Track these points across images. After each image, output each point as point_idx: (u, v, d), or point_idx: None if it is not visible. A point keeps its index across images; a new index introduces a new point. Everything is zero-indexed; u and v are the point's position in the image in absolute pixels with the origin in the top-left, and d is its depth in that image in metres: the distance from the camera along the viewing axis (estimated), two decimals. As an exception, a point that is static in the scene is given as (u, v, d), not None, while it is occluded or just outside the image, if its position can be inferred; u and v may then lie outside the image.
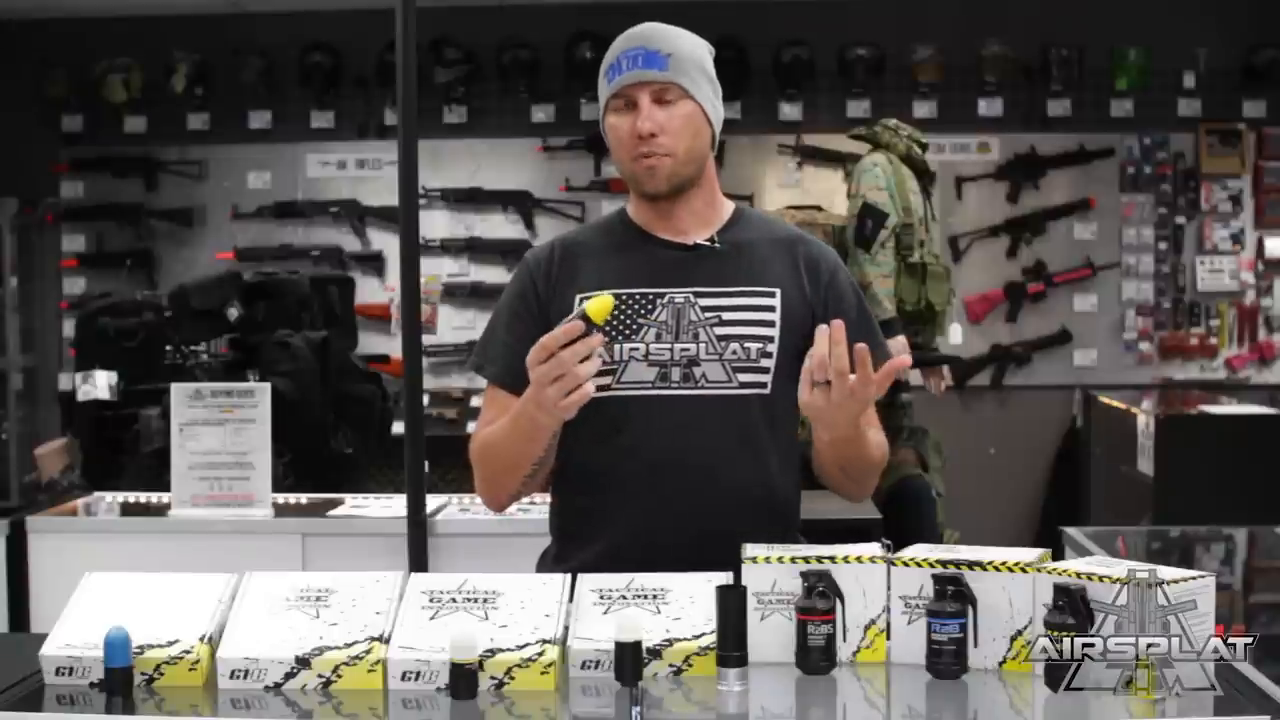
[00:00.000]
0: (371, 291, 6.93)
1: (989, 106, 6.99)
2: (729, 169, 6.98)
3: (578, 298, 2.21)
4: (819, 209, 5.30)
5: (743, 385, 2.19)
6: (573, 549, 2.25)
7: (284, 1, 6.96)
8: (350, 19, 6.86)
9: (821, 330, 1.99)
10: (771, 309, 2.22)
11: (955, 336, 5.54)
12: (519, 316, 2.27)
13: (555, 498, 2.34)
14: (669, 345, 2.19)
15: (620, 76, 2.20)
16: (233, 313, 4.39)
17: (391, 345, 6.34)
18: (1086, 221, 7.02)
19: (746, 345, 2.20)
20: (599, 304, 1.98)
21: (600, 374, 2.16)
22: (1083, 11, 6.88)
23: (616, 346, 2.18)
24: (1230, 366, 7.01)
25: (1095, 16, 6.87)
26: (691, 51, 2.23)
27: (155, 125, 7.17)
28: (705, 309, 2.20)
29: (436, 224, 6.98)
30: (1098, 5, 6.89)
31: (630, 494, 2.19)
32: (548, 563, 2.30)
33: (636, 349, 2.19)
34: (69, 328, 6.86)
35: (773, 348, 2.21)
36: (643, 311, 2.20)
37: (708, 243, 2.25)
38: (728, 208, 2.32)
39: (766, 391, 2.19)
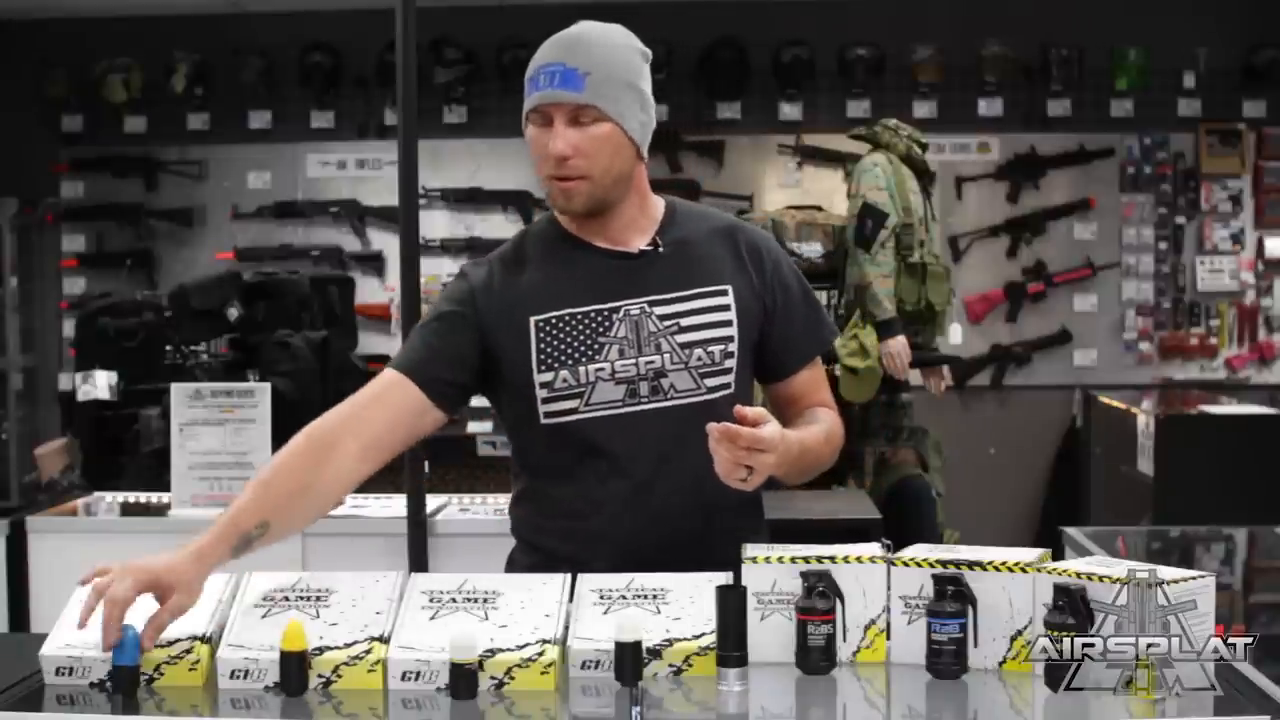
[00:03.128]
0: (371, 291, 6.94)
1: (989, 106, 6.99)
2: (729, 169, 6.99)
3: (532, 320, 2.16)
4: (819, 209, 5.31)
5: (710, 390, 2.16)
6: (554, 567, 2.16)
7: (284, 1, 6.97)
8: (350, 19, 6.87)
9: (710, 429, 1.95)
10: (726, 307, 2.20)
11: (955, 336, 5.55)
12: (447, 317, 2.19)
13: (526, 512, 2.27)
14: (633, 360, 2.15)
15: (537, 92, 2.13)
16: (233, 313, 4.38)
17: (391, 345, 6.34)
18: (1086, 221, 7.02)
19: (710, 349, 2.17)
20: None
21: (568, 397, 2.14)
22: (1083, 11, 6.89)
23: (580, 369, 2.14)
24: (1230, 366, 7.02)
25: (1095, 16, 6.87)
26: (614, 66, 2.14)
27: (155, 125, 7.18)
28: (662, 318, 2.17)
29: (436, 224, 6.98)
30: (1098, 5, 6.89)
31: (617, 514, 2.15)
32: (518, 570, 2.24)
33: (602, 369, 2.14)
34: (69, 328, 6.87)
35: (733, 347, 2.19)
36: (601, 329, 2.16)
37: (651, 248, 2.21)
38: (659, 206, 2.27)
39: (731, 391, 2.18)
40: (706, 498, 2.10)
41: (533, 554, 2.25)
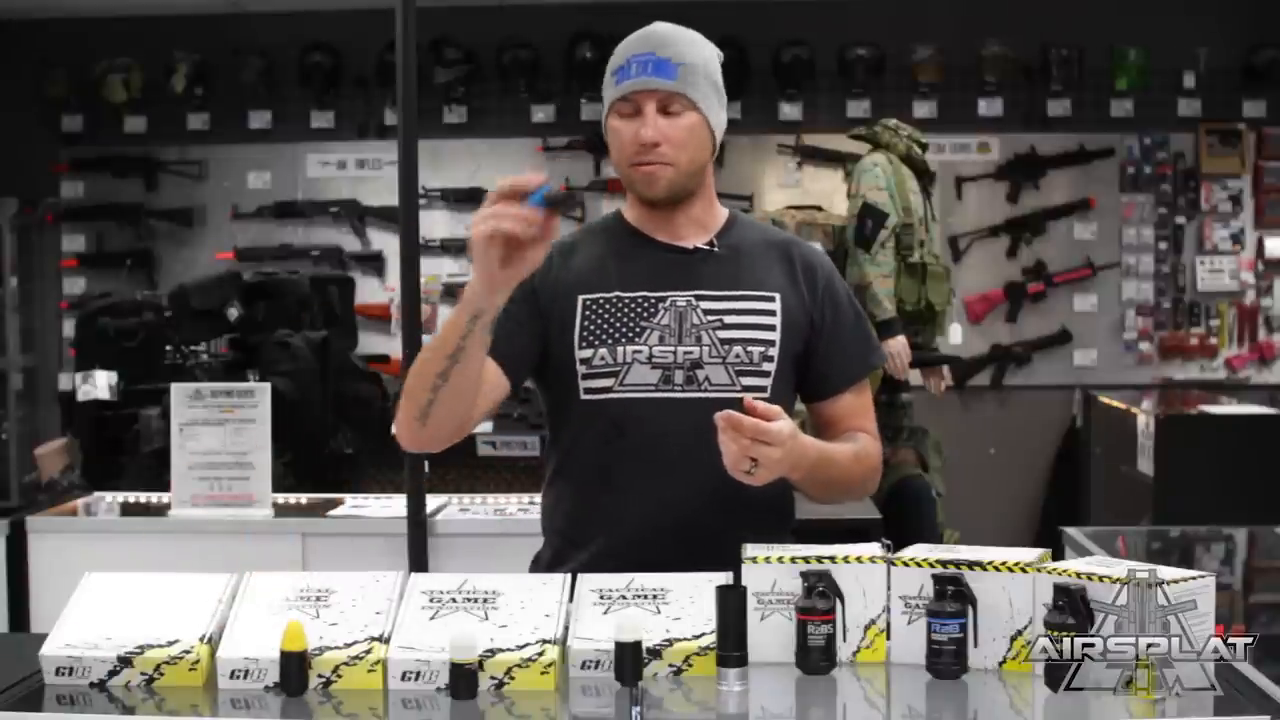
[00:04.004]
0: (371, 291, 6.93)
1: (989, 106, 6.99)
2: (729, 169, 6.98)
3: (580, 299, 2.21)
4: (819, 209, 5.32)
5: (744, 389, 2.18)
6: (571, 550, 2.24)
7: (284, 1, 6.96)
8: (350, 19, 6.86)
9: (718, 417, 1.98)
10: (772, 313, 2.23)
11: (955, 336, 5.55)
12: (513, 301, 2.17)
13: (552, 497, 2.32)
14: (672, 348, 2.19)
15: (628, 80, 2.19)
16: (233, 313, 4.39)
17: (391, 345, 6.35)
18: (1086, 221, 7.02)
19: (749, 349, 2.20)
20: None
21: (603, 375, 2.18)
22: (1083, 11, 6.88)
23: (620, 349, 2.18)
24: (1230, 366, 7.02)
25: (1095, 16, 6.87)
26: (703, 61, 2.22)
27: (155, 125, 7.17)
28: (707, 312, 2.21)
29: (436, 224, 6.98)
30: (1098, 5, 6.89)
31: (634, 495, 2.18)
32: (541, 567, 2.29)
33: (640, 351, 2.18)
34: (69, 328, 6.86)
35: (774, 351, 2.21)
36: (646, 315, 2.20)
37: (707, 246, 2.26)
38: (722, 213, 2.33)
39: (767, 395, 2.19)
40: (729, 492, 2.10)
41: (555, 540, 2.28)
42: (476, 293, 1.96)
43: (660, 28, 2.24)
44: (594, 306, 2.21)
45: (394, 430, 2.22)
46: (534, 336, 2.23)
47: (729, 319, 2.21)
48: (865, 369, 2.33)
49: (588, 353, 2.19)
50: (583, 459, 2.24)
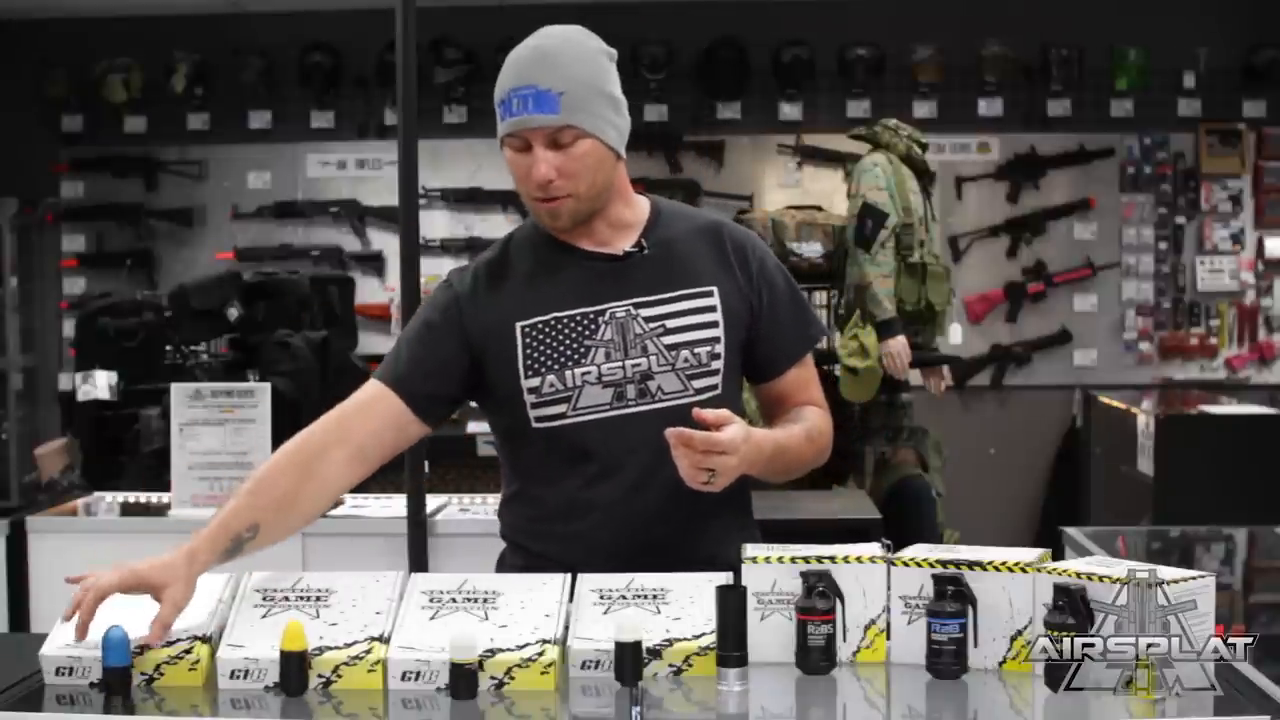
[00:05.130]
0: (371, 291, 6.93)
1: (989, 106, 6.99)
2: (729, 169, 6.99)
3: (518, 325, 2.15)
4: (819, 209, 5.31)
5: (697, 391, 2.16)
6: (543, 564, 2.16)
7: (284, 1, 6.97)
8: (350, 19, 6.87)
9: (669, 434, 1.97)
10: (712, 308, 2.19)
11: (955, 336, 5.56)
12: (433, 327, 2.19)
13: (515, 515, 2.27)
14: (620, 363, 2.14)
15: (512, 118, 2.09)
16: (233, 313, 4.38)
17: (391, 345, 6.34)
18: (1086, 221, 7.02)
19: (696, 351, 2.16)
20: None
21: (556, 402, 2.14)
22: (1083, 11, 6.89)
23: (567, 373, 2.13)
24: (1230, 366, 7.02)
25: (1095, 16, 6.87)
26: (589, 78, 2.11)
27: (155, 125, 7.17)
28: (648, 319, 2.16)
29: (436, 224, 6.98)
30: (1098, 5, 6.89)
31: (606, 517, 2.15)
32: (504, 566, 2.27)
33: (589, 372, 2.14)
34: (69, 328, 6.87)
35: (720, 348, 2.18)
36: (587, 333, 2.15)
37: (635, 249, 2.20)
38: (644, 206, 2.26)
39: (719, 392, 2.17)
40: (694, 499, 2.08)
41: (523, 556, 2.25)
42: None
43: (539, 46, 2.12)
44: (533, 332, 2.15)
45: None
46: (454, 378, 2.18)
47: (670, 323, 2.16)
48: (807, 344, 2.29)
49: (535, 381, 2.14)
50: (545, 482, 2.20)
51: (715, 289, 2.20)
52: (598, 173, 2.13)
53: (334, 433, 2.16)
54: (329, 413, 2.19)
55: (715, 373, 2.18)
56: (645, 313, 2.16)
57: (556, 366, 2.14)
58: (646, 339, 2.15)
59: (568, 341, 2.15)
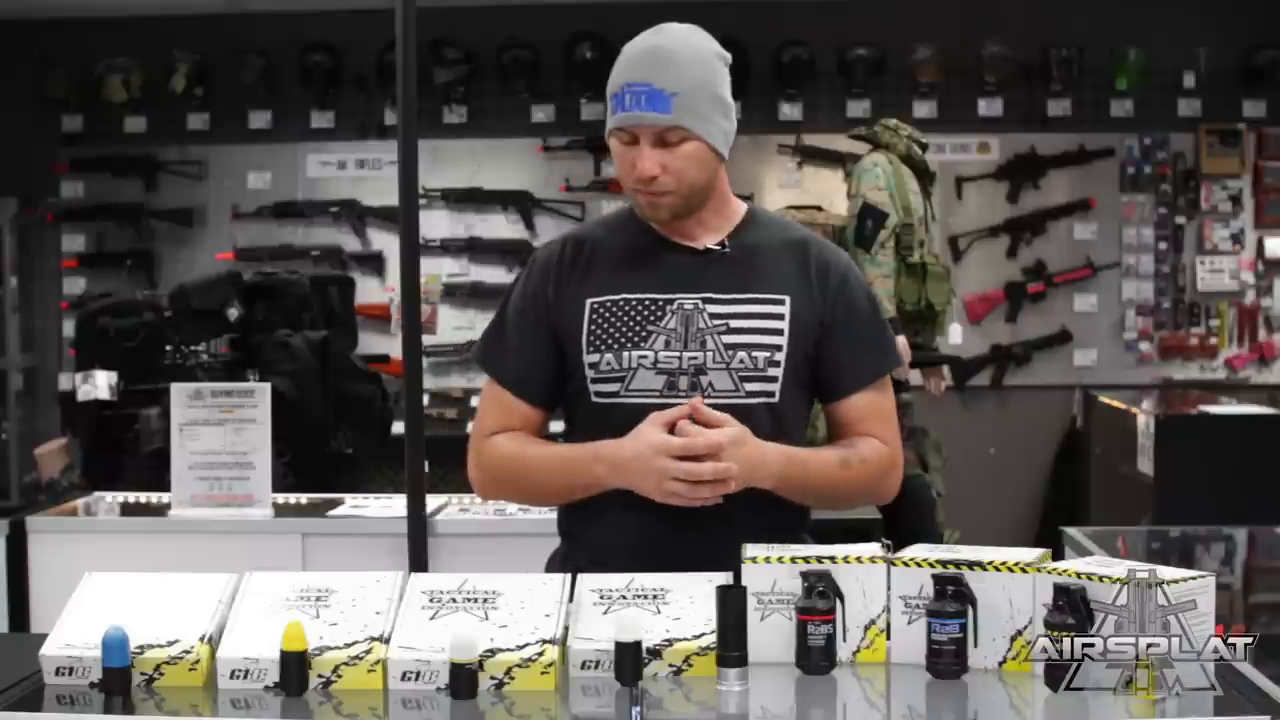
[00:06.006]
0: (371, 291, 6.93)
1: (989, 106, 6.99)
2: (729, 168, 6.97)
3: (588, 302, 2.20)
4: (819, 209, 5.31)
5: (749, 394, 2.16)
6: (581, 549, 2.24)
7: (284, 1, 6.96)
8: (350, 19, 6.86)
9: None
10: (780, 316, 2.20)
11: (955, 336, 5.55)
12: (526, 317, 2.25)
13: (574, 509, 2.29)
14: (677, 353, 2.17)
15: (623, 113, 2.15)
16: (233, 313, 4.38)
17: (391, 345, 6.34)
18: (1086, 221, 7.02)
19: (754, 354, 2.17)
20: None
21: (610, 380, 2.18)
22: (1083, 11, 6.88)
23: (625, 354, 2.17)
24: (1230, 366, 7.02)
25: (1095, 16, 6.86)
26: (703, 81, 2.17)
27: (155, 125, 7.17)
28: (714, 316, 2.18)
29: (436, 224, 6.98)
30: (1098, 5, 6.89)
31: (640, 501, 2.15)
32: (556, 564, 2.30)
33: (645, 357, 2.17)
34: (69, 328, 6.86)
35: (780, 356, 2.18)
36: (652, 318, 2.18)
37: (718, 247, 2.24)
38: (739, 209, 2.30)
39: (774, 400, 2.17)
40: (736, 498, 2.08)
41: (568, 541, 2.29)
42: (614, 485, 2.11)
43: (659, 45, 2.17)
44: (600, 310, 2.20)
45: (470, 475, 2.30)
46: (551, 357, 2.24)
47: (735, 323, 2.18)
48: (876, 372, 2.25)
49: (595, 357, 2.18)
50: None
51: (788, 299, 2.21)
52: (700, 173, 2.20)
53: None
54: (503, 434, 2.26)
55: (772, 379, 2.18)
56: (712, 309, 2.19)
57: (616, 346, 2.17)
58: (707, 334, 2.18)
59: (631, 324, 2.19)
